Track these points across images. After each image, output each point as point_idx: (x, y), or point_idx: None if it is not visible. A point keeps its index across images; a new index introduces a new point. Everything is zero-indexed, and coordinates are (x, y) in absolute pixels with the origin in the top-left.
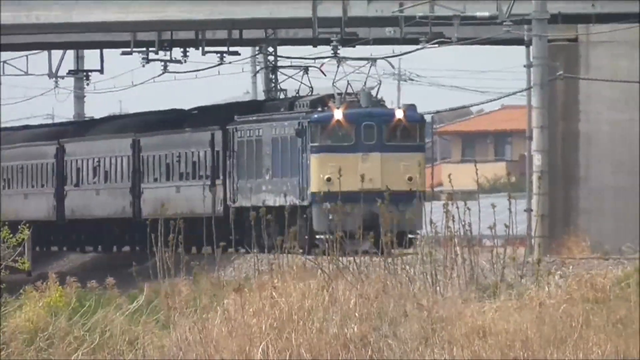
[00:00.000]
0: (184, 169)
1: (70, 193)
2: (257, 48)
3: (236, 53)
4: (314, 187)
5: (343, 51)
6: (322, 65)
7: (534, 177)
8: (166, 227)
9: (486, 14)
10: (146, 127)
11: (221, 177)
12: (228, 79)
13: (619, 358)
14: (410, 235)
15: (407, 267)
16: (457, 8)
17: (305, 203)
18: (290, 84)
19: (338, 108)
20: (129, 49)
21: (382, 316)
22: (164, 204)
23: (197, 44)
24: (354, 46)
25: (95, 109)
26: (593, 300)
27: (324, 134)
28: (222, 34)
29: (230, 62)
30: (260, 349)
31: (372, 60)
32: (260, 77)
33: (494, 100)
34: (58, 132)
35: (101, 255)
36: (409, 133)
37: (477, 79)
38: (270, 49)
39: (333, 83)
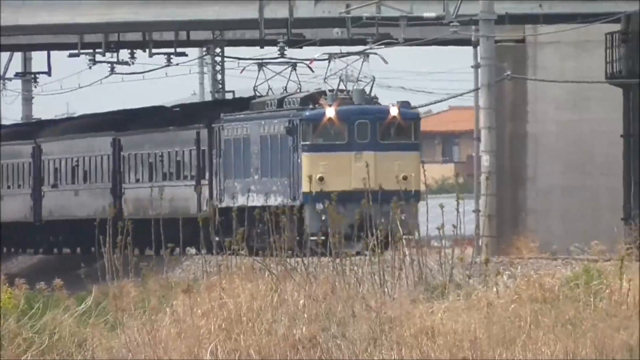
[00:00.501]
0: (168, 168)
1: (48, 194)
2: (204, 49)
3: (183, 54)
4: (305, 186)
5: (290, 52)
6: (311, 61)
7: (482, 178)
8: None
9: (433, 14)
10: (127, 125)
11: (207, 176)
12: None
13: (568, 358)
14: (405, 237)
15: (356, 268)
16: (404, 9)
17: (297, 203)
18: (239, 83)
19: (330, 105)
20: (76, 51)
21: (331, 317)
22: (137, 204)
23: (144, 45)
24: (301, 47)
25: (43, 111)
26: (542, 301)
27: (316, 132)
28: (169, 36)
29: (177, 64)
30: (209, 350)
31: (365, 55)
32: (207, 78)
33: (442, 101)
34: (34, 131)
35: (51, 257)
36: (403, 131)
37: (424, 80)
38: (218, 50)
39: (324, 79)
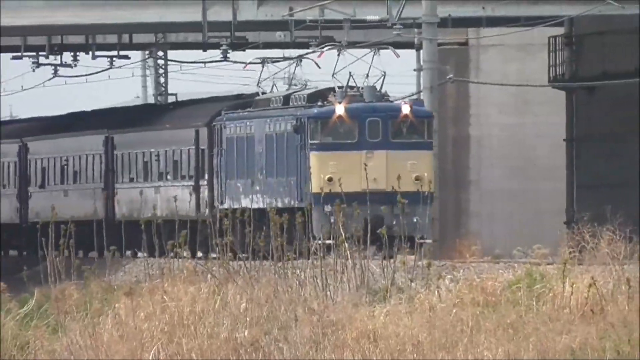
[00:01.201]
0: (164, 168)
1: (35, 194)
2: (147, 52)
3: (126, 57)
4: (314, 187)
5: (233, 55)
6: (321, 54)
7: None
8: (147, 229)
9: (376, 17)
10: (120, 123)
11: (206, 177)
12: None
13: None
14: (420, 240)
15: (298, 271)
16: (347, 12)
17: (303, 205)
18: (182, 86)
19: (340, 102)
20: (19, 54)
21: (273, 320)
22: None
23: (87, 48)
24: (244, 50)
25: None
26: (484, 304)
27: (325, 130)
28: (112, 38)
29: (120, 67)
30: (151, 353)
31: (375, 49)
32: (150, 81)
33: None
34: (20, 130)
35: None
36: (416, 129)
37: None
38: (160, 53)
39: (333, 74)
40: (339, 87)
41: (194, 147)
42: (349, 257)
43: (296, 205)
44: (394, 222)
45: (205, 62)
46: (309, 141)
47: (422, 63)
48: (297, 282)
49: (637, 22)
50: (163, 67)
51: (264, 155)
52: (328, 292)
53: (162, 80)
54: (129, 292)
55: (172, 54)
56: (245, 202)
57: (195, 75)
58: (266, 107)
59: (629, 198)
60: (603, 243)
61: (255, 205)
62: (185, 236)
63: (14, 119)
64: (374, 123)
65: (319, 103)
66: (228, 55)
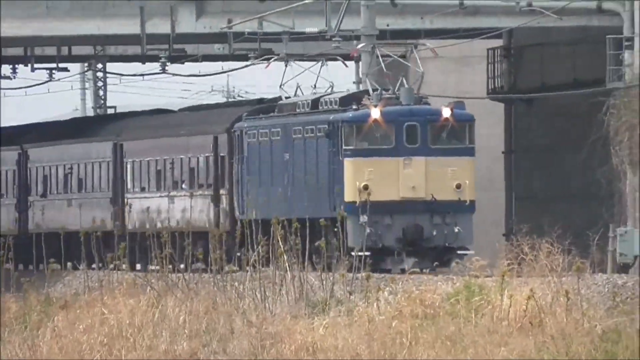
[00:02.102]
0: (179, 176)
1: (36, 204)
2: (86, 65)
3: (65, 69)
4: (348, 195)
5: (172, 68)
6: (353, 53)
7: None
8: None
9: (315, 29)
10: (129, 130)
11: (227, 185)
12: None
13: None
14: (460, 252)
15: (236, 284)
16: (286, 24)
17: (336, 214)
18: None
19: (375, 106)
20: None
21: (212, 332)
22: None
23: (26, 60)
24: (182, 63)
25: None
26: (422, 316)
27: (360, 135)
28: (51, 51)
29: (59, 79)
30: None
31: (412, 46)
32: (89, 94)
33: None
34: (19, 136)
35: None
36: (457, 134)
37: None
38: (100, 66)
39: (367, 75)
40: (374, 90)
41: (212, 154)
42: (287, 269)
43: (328, 216)
44: (434, 233)
45: (143, 75)
46: (343, 147)
47: (361, 75)
48: (236, 294)
49: (574, 34)
50: (102, 79)
51: (291, 162)
52: (267, 304)
53: (101, 92)
54: (64, 305)
55: (111, 66)
56: (269, 213)
57: (135, 88)
58: (292, 112)
59: (566, 210)
60: (541, 255)
61: (282, 216)
62: (125, 248)
63: (13, 125)
64: (412, 127)
65: (354, 106)
66: (167, 67)
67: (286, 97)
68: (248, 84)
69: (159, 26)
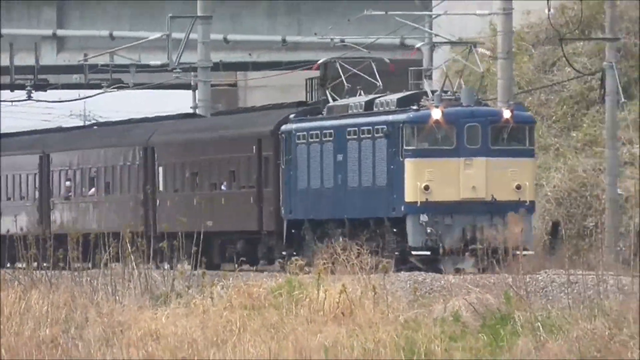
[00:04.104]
0: (218, 178)
1: (59, 206)
2: None
3: None
4: (409, 196)
5: (36, 95)
6: (415, 50)
7: None
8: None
9: (158, 62)
10: (159, 134)
11: (271, 187)
12: None
13: (271, 358)
14: (519, 252)
15: (92, 280)
16: (133, 57)
17: (397, 215)
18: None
19: (437, 107)
20: None
21: (70, 321)
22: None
23: None
24: (45, 90)
25: None
26: (250, 308)
27: (421, 135)
28: None
29: None
30: None
31: (472, 45)
32: None
33: None
34: (40, 141)
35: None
36: (517, 135)
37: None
38: None
39: (424, 75)
40: (433, 91)
41: (255, 155)
42: (134, 267)
43: (387, 216)
44: (494, 233)
45: (12, 101)
46: (404, 147)
47: (197, 102)
48: (91, 288)
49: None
50: None
51: (345, 163)
52: (117, 297)
53: None
54: None
55: None
56: (321, 213)
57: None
58: (344, 113)
59: None
60: (353, 256)
61: (334, 216)
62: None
63: (34, 130)
64: (473, 128)
65: (414, 107)
66: (32, 95)
67: (432, 91)
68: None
69: (26, 59)
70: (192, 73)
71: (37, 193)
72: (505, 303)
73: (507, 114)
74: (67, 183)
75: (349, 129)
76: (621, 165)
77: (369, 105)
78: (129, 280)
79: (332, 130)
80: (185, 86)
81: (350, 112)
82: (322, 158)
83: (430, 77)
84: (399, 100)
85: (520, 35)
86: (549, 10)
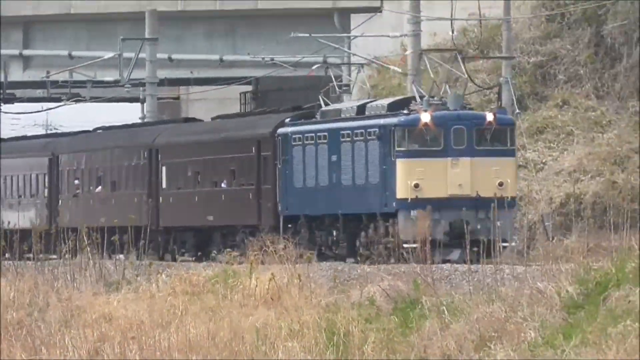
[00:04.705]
0: (218, 176)
1: (69, 202)
2: None
3: None
4: (400, 193)
5: (5, 107)
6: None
7: None
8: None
9: (111, 78)
10: (163, 136)
11: (269, 184)
12: None
13: (208, 337)
14: (502, 244)
15: (53, 269)
16: (90, 74)
17: (388, 210)
18: None
19: (425, 111)
20: None
21: (34, 305)
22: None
23: None
24: (12, 103)
25: None
26: (191, 293)
27: (411, 137)
28: None
29: None
30: None
31: (458, 52)
32: None
33: None
34: (50, 144)
35: None
36: (499, 137)
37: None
38: None
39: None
40: (421, 97)
41: (255, 155)
42: (90, 257)
43: (379, 212)
44: (479, 227)
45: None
46: (396, 148)
47: (145, 113)
48: (52, 277)
49: (306, 82)
50: None
51: (339, 163)
52: (75, 284)
53: None
54: None
55: None
56: (316, 209)
57: None
58: (337, 117)
59: None
60: (280, 247)
61: (328, 212)
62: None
63: (44, 134)
64: (459, 131)
65: (405, 111)
66: (1, 107)
67: (420, 97)
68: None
69: None
70: (141, 88)
71: (46, 191)
72: (414, 289)
73: (490, 117)
74: (76, 182)
75: (342, 131)
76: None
77: (361, 109)
78: (86, 270)
79: (326, 133)
80: (135, 99)
81: (343, 116)
82: (317, 158)
83: (348, 91)
84: (389, 105)
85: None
86: (453, 32)
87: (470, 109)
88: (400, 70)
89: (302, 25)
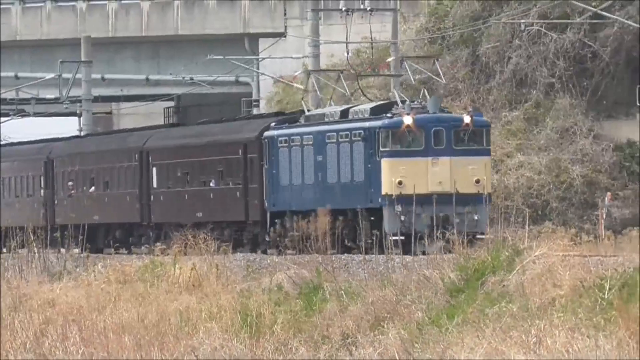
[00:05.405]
0: (207, 177)
1: (64, 201)
2: None
3: None
4: (385, 189)
5: None
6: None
7: None
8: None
9: (52, 96)
10: (154, 140)
11: (256, 184)
12: None
13: (138, 319)
14: (478, 236)
15: (3, 261)
16: (33, 92)
17: (373, 206)
18: None
19: (408, 114)
20: None
21: None
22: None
23: None
24: None
25: None
26: (123, 281)
27: (394, 139)
28: None
29: None
30: None
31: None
32: None
33: None
34: (45, 148)
35: None
36: (475, 137)
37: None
38: None
39: (393, 87)
40: (402, 102)
41: (242, 157)
42: (35, 251)
43: (364, 207)
44: (457, 220)
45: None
46: (380, 149)
47: (82, 126)
48: (2, 268)
49: (222, 98)
50: None
51: (325, 163)
52: (22, 274)
53: None
54: None
55: None
56: (302, 205)
57: None
58: (321, 121)
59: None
60: (201, 241)
61: (314, 207)
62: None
63: (39, 139)
64: (439, 132)
65: (388, 114)
66: None
67: (402, 101)
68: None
69: None
70: (78, 104)
71: (42, 192)
72: (317, 276)
73: (467, 119)
74: (70, 183)
75: (327, 133)
76: None
77: (344, 114)
78: (32, 262)
79: (311, 135)
80: (73, 114)
81: (327, 119)
82: (302, 158)
83: (257, 105)
84: (371, 109)
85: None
86: (348, 53)
87: (449, 112)
88: (303, 87)
89: (217, 49)
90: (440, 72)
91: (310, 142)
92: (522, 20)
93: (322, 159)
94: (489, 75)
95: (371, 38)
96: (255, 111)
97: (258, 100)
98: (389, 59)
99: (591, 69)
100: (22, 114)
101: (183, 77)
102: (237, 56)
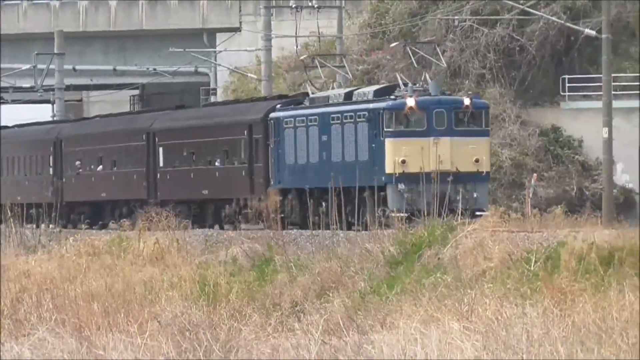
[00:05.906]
0: (213, 156)
1: (72, 179)
2: None
3: None
4: (388, 168)
5: None
6: None
7: None
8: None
9: (28, 85)
10: (160, 121)
11: (261, 162)
12: None
13: (106, 288)
14: (478, 213)
15: None
16: (10, 82)
17: (377, 184)
18: None
19: (410, 96)
20: None
21: None
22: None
23: None
24: None
25: None
26: (92, 254)
27: (398, 120)
28: None
29: None
30: None
31: (436, 45)
32: None
33: None
34: (54, 129)
35: None
36: (475, 118)
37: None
38: None
39: (398, 72)
40: (404, 84)
41: (247, 137)
42: (13, 226)
43: (368, 185)
44: (457, 198)
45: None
46: (384, 129)
47: (55, 112)
48: None
49: (183, 87)
50: None
51: (329, 143)
52: (1, 249)
53: None
54: None
55: None
56: (307, 183)
57: None
58: (326, 103)
59: None
60: (163, 218)
61: (318, 185)
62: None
63: (48, 121)
64: (440, 114)
65: (391, 97)
66: None
67: (404, 84)
68: None
69: None
70: (51, 92)
71: (51, 170)
72: (268, 250)
73: (467, 101)
74: (77, 163)
75: (332, 115)
76: None
77: (348, 96)
78: (9, 236)
79: (316, 116)
80: (47, 101)
81: (331, 102)
82: (307, 139)
83: (215, 94)
84: (375, 92)
85: (277, 64)
86: (297, 46)
87: (449, 94)
88: (255, 77)
89: (178, 42)
90: (442, 56)
91: (315, 123)
92: (456, 17)
93: (326, 139)
94: (424, 66)
95: (318, 33)
96: (212, 99)
97: (215, 89)
98: (393, 44)
99: (519, 61)
100: (1, 101)
101: (147, 68)
102: (197, 49)
